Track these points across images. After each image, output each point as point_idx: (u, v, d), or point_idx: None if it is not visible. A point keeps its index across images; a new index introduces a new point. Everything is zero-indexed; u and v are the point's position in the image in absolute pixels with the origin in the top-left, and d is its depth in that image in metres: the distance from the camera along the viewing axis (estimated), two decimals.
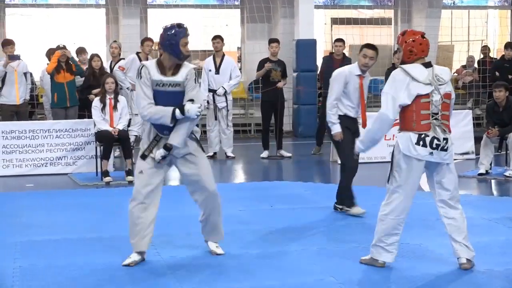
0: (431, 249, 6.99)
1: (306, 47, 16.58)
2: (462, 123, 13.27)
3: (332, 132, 8.46)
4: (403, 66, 6.21)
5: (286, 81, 13.79)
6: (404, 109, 6.17)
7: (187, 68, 6.44)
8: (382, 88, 6.35)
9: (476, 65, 18.73)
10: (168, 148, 6.39)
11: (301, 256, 6.83)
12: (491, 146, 11.24)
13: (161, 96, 6.39)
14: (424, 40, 6.29)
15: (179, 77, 6.40)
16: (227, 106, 13.35)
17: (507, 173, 11.07)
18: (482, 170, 11.20)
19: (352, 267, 6.42)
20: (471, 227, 7.80)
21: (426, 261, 6.60)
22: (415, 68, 6.18)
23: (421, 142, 6.11)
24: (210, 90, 13.27)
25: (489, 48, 18.87)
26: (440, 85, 6.16)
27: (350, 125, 8.48)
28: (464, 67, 19.19)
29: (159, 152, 6.41)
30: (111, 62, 13.67)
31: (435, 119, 6.14)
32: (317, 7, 18.01)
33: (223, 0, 18.31)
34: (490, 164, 11.31)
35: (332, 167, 12.58)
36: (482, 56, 18.61)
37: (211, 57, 13.48)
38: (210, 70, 13.29)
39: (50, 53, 13.17)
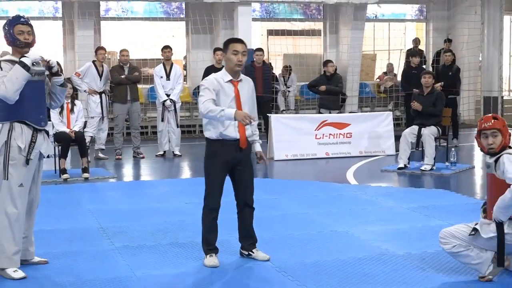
0: (357, 236, 7.12)
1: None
2: (383, 123, 13.58)
3: None
4: None
5: None
6: None
7: None
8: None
9: (396, 71, 19.17)
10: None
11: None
12: (409, 143, 11.32)
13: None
14: None
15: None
16: (175, 108, 13.34)
17: (422, 167, 11.23)
18: (401, 165, 11.34)
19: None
20: (392, 216, 8.08)
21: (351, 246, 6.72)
22: None
23: None
24: None
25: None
26: None
27: (229, 156, 6.06)
28: (385, 73, 19.59)
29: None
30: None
31: None
32: (254, 19, 18.14)
33: (169, 14, 18.33)
34: (408, 159, 11.40)
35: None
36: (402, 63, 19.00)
37: (161, 65, 13.50)
38: (161, 77, 13.34)
39: None
